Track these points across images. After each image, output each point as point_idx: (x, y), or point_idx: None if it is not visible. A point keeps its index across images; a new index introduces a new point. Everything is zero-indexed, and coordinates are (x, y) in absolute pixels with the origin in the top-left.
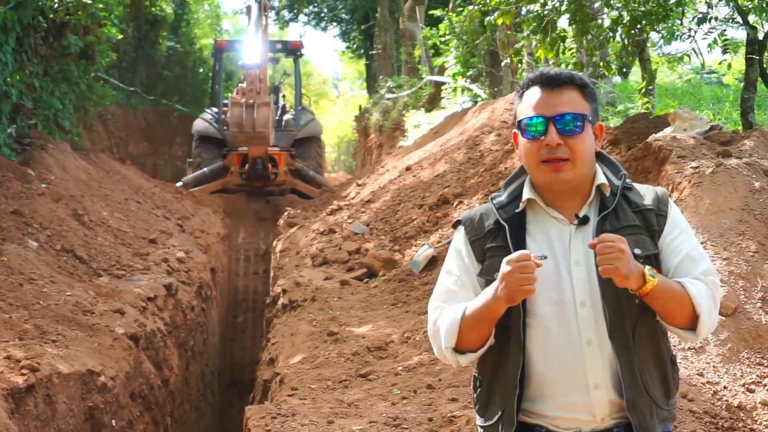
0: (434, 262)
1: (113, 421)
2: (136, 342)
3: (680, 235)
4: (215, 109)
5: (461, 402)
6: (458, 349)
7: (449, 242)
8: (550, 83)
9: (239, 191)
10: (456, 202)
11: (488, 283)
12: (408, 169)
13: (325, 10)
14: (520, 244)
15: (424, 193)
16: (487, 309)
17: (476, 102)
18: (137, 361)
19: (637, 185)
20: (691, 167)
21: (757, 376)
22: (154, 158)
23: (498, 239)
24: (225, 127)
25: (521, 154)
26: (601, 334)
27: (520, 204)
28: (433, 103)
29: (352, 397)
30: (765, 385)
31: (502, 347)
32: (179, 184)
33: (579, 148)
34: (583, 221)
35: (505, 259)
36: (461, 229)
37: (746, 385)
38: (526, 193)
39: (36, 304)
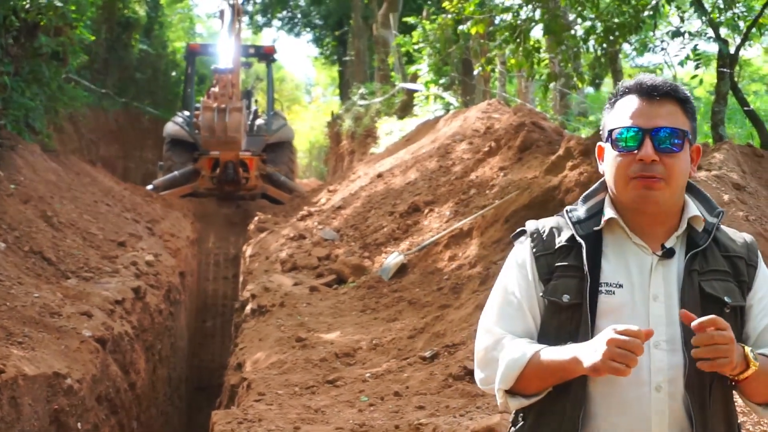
0: (404, 270)
1: (79, 424)
2: (103, 345)
3: None
4: (187, 113)
5: (428, 410)
6: (511, 390)
7: (419, 249)
8: (649, 93)
9: (210, 195)
10: (426, 210)
11: (551, 305)
12: (379, 176)
13: (299, 16)
14: (596, 267)
15: (394, 200)
16: (562, 367)
17: (448, 110)
18: (104, 365)
19: (725, 227)
20: None
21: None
22: (125, 161)
23: (570, 258)
24: (196, 131)
25: (607, 168)
26: (674, 382)
27: (602, 221)
28: (405, 110)
29: (319, 403)
30: None
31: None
32: (150, 187)
33: (675, 168)
34: (669, 254)
35: (615, 326)
36: (526, 241)
37: None
38: (608, 212)
39: (3, 305)
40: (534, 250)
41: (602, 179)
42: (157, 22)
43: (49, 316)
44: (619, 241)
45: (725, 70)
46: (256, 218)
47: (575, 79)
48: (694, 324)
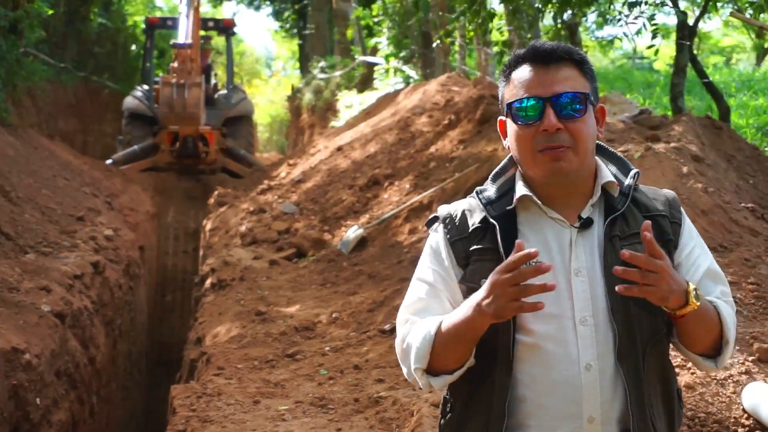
0: (363, 243)
1: (38, 399)
2: (62, 320)
3: (696, 248)
4: (146, 87)
5: (387, 383)
6: (431, 371)
7: (379, 223)
8: (544, 59)
9: (170, 169)
10: (386, 183)
11: (471, 291)
12: (339, 149)
13: None
14: (512, 247)
15: (354, 173)
16: (467, 325)
17: (408, 83)
18: (63, 339)
19: (643, 186)
20: (620, 151)
21: (681, 359)
22: (84, 135)
23: (485, 240)
24: (156, 105)
25: (511, 143)
26: (603, 358)
27: (514, 200)
28: (365, 83)
29: (278, 377)
30: (689, 369)
31: (485, 366)
32: (109, 161)
33: (582, 133)
34: (587, 224)
35: (499, 267)
36: (439, 227)
37: None
38: (520, 189)
39: None
40: (448, 236)
41: (510, 155)
42: None
43: (7, 291)
44: (535, 217)
45: (684, 42)
46: (215, 192)
47: None
48: (621, 254)
